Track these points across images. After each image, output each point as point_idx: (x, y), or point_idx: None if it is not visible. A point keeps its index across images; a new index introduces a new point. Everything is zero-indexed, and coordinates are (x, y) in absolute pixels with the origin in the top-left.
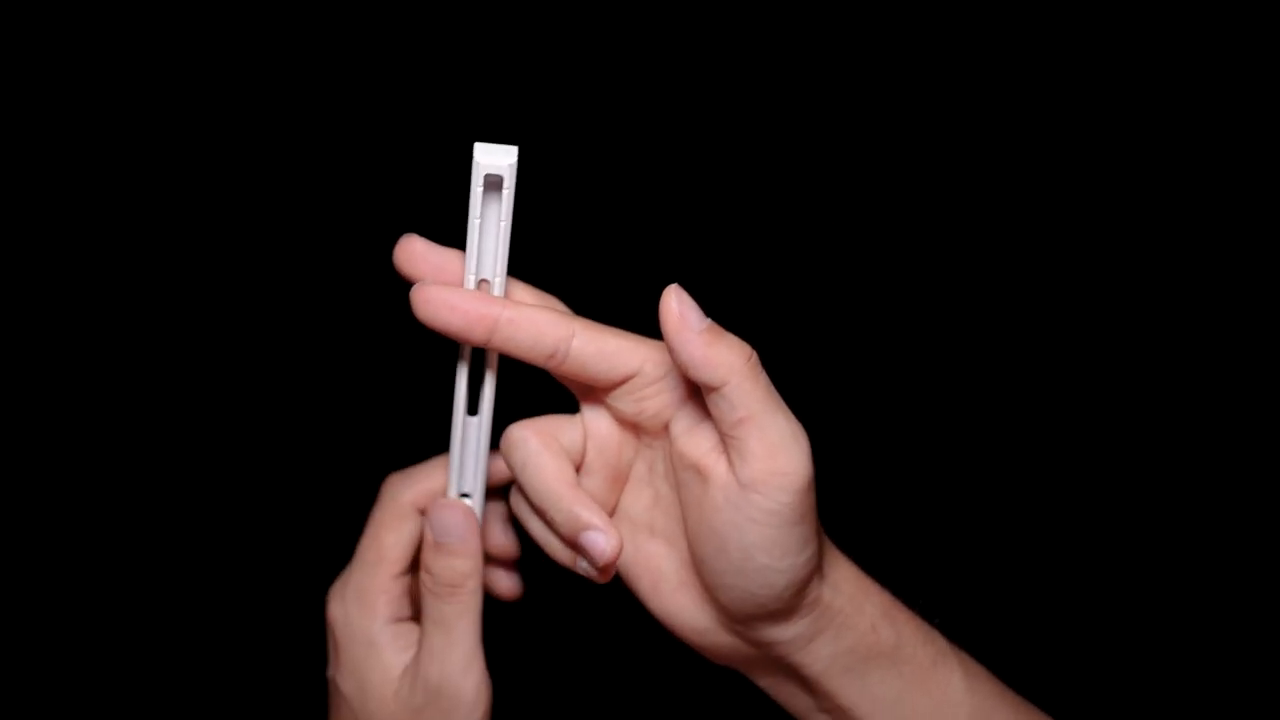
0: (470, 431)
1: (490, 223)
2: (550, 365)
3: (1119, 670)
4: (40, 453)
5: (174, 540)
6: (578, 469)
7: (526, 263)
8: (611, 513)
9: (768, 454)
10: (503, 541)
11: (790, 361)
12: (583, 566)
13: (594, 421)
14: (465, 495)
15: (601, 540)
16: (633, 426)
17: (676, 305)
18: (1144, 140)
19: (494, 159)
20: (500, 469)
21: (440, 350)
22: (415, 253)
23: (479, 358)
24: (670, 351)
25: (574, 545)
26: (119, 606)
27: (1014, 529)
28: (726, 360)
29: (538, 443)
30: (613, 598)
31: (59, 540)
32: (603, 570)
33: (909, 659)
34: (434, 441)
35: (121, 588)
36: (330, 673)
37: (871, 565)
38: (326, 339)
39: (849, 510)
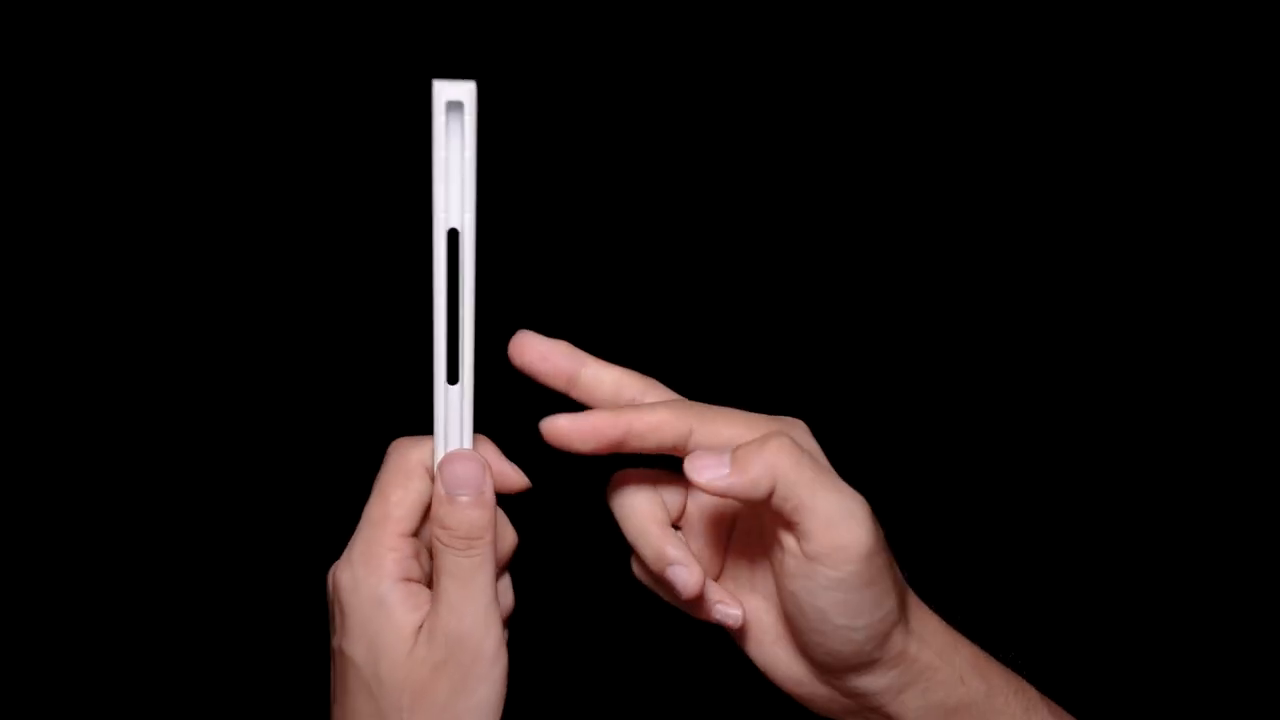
0: (453, 399)
1: (455, 157)
2: (674, 453)
3: (1118, 671)
4: (41, 450)
5: (166, 534)
6: (677, 524)
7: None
8: (719, 573)
9: (826, 531)
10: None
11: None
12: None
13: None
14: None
15: (684, 573)
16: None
17: (702, 477)
18: (1144, 140)
19: (454, 90)
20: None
21: (419, 327)
22: (530, 348)
23: (454, 324)
24: (726, 497)
25: (662, 580)
26: (115, 601)
27: (1014, 529)
28: (764, 472)
29: (634, 486)
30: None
31: (55, 529)
32: (692, 603)
33: (1000, 710)
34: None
35: (117, 583)
36: (336, 642)
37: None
38: (315, 330)
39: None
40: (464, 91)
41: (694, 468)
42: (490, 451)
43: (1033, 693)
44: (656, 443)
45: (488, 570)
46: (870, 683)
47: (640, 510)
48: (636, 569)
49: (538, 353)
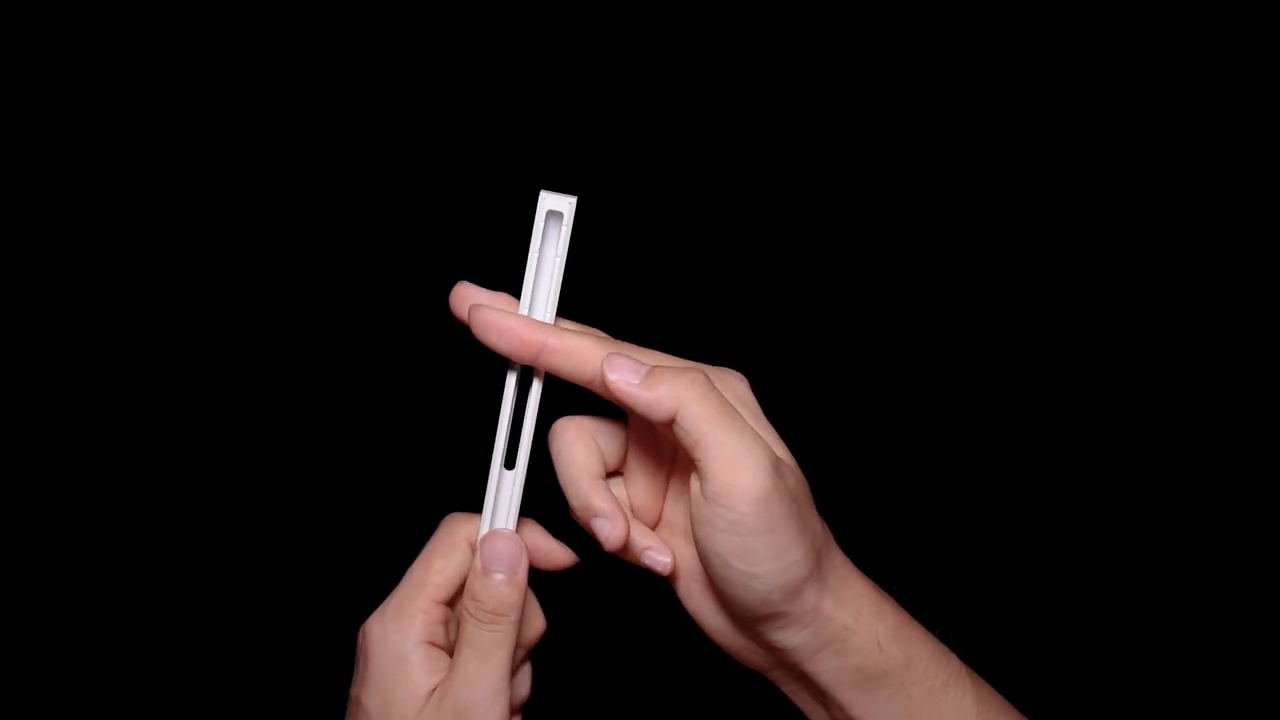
0: (506, 483)
1: (548, 260)
2: (593, 389)
3: (1117, 671)
4: (45, 454)
5: (182, 550)
6: (617, 472)
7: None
8: (659, 518)
9: (723, 469)
10: (559, 553)
11: (791, 366)
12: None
13: (638, 433)
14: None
15: (607, 527)
16: (671, 442)
17: (612, 373)
18: (1144, 140)
19: (556, 201)
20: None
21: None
22: (468, 298)
23: (519, 415)
24: (627, 409)
25: (588, 529)
26: (129, 620)
27: (1013, 530)
28: (669, 394)
29: (574, 434)
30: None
31: (63, 542)
32: (613, 549)
33: (919, 680)
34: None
35: (122, 598)
36: (354, 691)
37: (871, 568)
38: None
39: (850, 512)
40: (565, 204)
41: (610, 365)
42: (537, 533)
43: (956, 663)
44: (571, 368)
45: (506, 648)
46: (784, 637)
47: (575, 460)
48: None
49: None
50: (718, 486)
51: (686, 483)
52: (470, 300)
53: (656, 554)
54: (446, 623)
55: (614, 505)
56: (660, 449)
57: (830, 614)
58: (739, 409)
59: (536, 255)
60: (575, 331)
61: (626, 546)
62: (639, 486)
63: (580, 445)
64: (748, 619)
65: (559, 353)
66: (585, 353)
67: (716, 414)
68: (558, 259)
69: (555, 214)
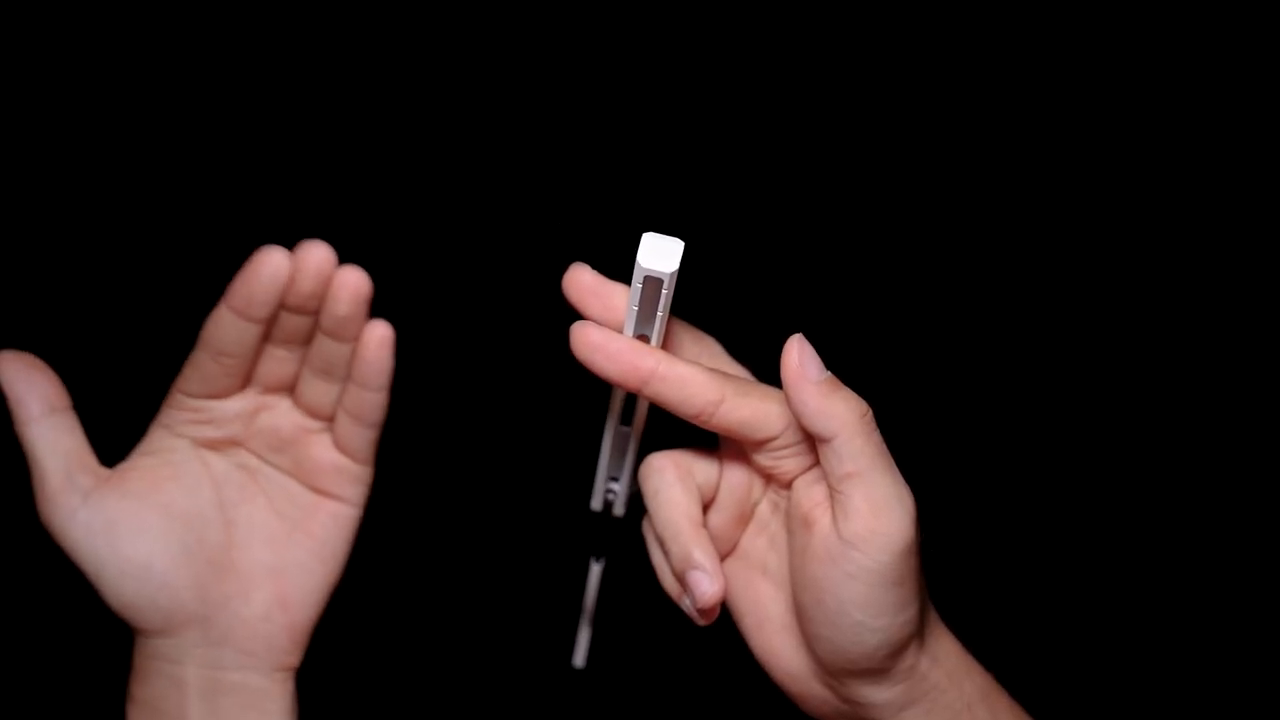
0: (622, 441)
1: (648, 314)
2: (697, 422)
3: (1116, 672)
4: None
5: None
6: (708, 505)
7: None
8: (733, 549)
9: (871, 512)
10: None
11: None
12: (685, 604)
13: (730, 460)
14: (614, 479)
15: (705, 582)
16: (765, 473)
17: (797, 355)
18: (1144, 140)
19: (656, 261)
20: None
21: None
22: (584, 285)
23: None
24: (788, 400)
25: (681, 581)
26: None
27: (1012, 530)
28: (840, 413)
29: (673, 474)
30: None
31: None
32: (702, 612)
33: None
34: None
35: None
36: None
37: None
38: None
39: None
40: (666, 273)
41: (800, 348)
42: None
43: None
44: (680, 399)
45: None
46: (873, 693)
47: (675, 503)
48: (654, 553)
49: (598, 299)
50: (859, 529)
51: (778, 514)
52: (585, 287)
53: (702, 576)
54: None
55: (715, 559)
56: (750, 478)
57: (925, 672)
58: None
59: (635, 309)
60: (688, 363)
61: (712, 610)
62: (723, 515)
63: (680, 487)
64: (839, 670)
65: (668, 381)
66: (698, 384)
67: (877, 451)
68: (660, 314)
69: (655, 278)
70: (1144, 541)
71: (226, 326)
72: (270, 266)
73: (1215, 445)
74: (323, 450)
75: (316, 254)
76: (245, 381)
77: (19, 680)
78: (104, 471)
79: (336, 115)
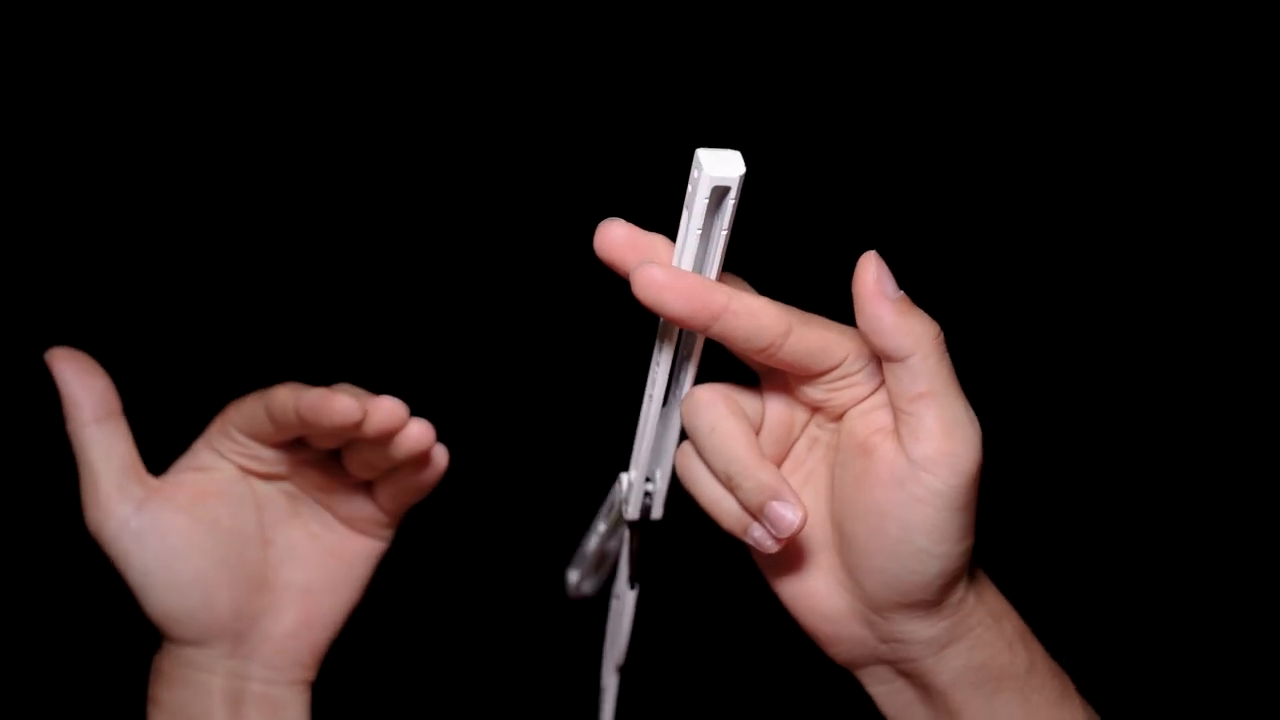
0: (666, 421)
1: (711, 234)
2: (760, 357)
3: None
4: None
5: None
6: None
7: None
8: None
9: (944, 432)
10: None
11: None
12: (755, 535)
13: (773, 394)
14: (649, 479)
15: (790, 513)
16: (812, 406)
17: (875, 271)
18: (1144, 140)
19: (722, 169)
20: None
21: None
22: (619, 240)
23: (682, 347)
24: (859, 316)
25: (756, 513)
26: (128, 620)
27: (1012, 530)
28: (916, 331)
29: (726, 408)
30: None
31: (62, 542)
32: (779, 541)
33: (1039, 688)
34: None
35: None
36: None
37: None
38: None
39: None
40: (733, 177)
41: (875, 261)
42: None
43: (1067, 678)
44: (748, 332)
45: None
46: (919, 629)
47: (738, 436)
48: (704, 489)
49: (637, 251)
50: (931, 451)
51: (816, 449)
52: (625, 240)
53: (786, 506)
54: None
55: (789, 484)
56: (792, 413)
57: (971, 609)
58: None
59: (699, 232)
60: (757, 296)
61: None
62: (766, 450)
63: (735, 419)
64: (889, 604)
65: (740, 316)
66: (769, 315)
67: (949, 373)
68: (723, 231)
69: (722, 187)
70: (1144, 541)
71: (290, 422)
72: (340, 413)
73: (1215, 445)
74: (362, 504)
75: (386, 409)
76: (297, 440)
77: (23, 680)
78: (154, 482)
79: (337, 115)
